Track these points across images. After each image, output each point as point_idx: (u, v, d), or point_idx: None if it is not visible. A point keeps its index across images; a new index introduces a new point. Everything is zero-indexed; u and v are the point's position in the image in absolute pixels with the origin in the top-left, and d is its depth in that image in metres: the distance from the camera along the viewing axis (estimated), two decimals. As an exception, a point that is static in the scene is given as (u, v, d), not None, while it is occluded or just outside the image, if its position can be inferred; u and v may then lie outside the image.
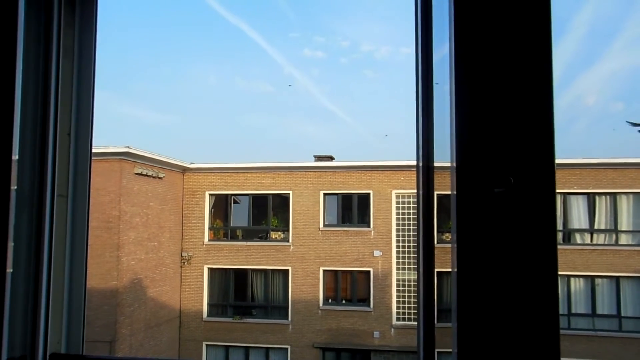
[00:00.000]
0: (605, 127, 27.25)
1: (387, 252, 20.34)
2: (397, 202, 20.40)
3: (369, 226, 20.64)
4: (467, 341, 1.09)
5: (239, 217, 22.22)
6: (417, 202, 1.46)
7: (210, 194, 21.92)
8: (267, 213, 21.71)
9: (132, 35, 35.14)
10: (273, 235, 21.84)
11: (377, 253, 20.34)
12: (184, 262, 21.46)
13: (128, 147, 17.79)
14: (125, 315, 17.93)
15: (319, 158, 22.79)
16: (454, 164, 1.10)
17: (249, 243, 21.53)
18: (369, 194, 20.69)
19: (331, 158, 22.96)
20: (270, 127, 34.24)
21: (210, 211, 22.03)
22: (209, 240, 21.77)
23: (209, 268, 21.52)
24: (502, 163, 1.11)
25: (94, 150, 1.94)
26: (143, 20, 35.23)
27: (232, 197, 22.12)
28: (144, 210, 19.04)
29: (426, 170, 1.42)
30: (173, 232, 21.07)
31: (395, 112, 36.05)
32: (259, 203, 21.89)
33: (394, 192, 20.46)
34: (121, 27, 34.09)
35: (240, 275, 21.48)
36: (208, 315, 21.29)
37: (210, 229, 21.92)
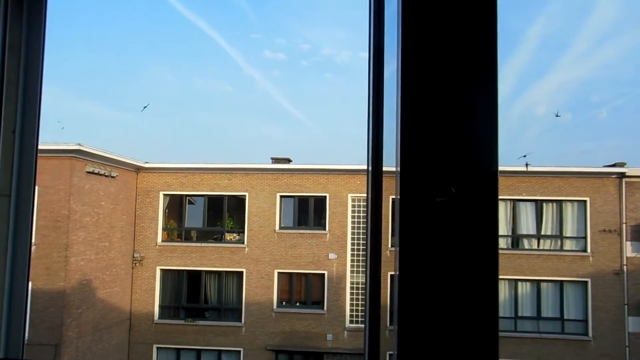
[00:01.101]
0: (554, 137, 28.29)
1: (342, 255, 20.49)
2: (353, 206, 20.58)
3: (324, 229, 20.74)
4: (407, 343, 1.13)
5: (194, 218, 21.92)
6: (367, 206, 1.50)
7: (165, 194, 21.55)
8: (223, 214, 21.52)
9: (87, 31, 34.21)
10: (228, 237, 21.65)
11: (332, 256, 20.46)
12: (135, 263, 21.00)
13: (79, 144, 17.30)
14: (73, 318, 17.39)
15: (276, 160, 22.75)
16: (398, 169, 1.14)
17: (203, 244, 21.27)
18: (325, 197, 20.80)
19: (289, 160, 22.96)
20: (228, 128, 33.97)
21: (165, 211, 21.65)
22: (163, 241, 21.38)
23: (161, 269, 21.14)
24: (444, 172, 1.14)
25: (43, 148, 1.91)
26: (98, 15, 34.35)
27: (187, 197, 21.81)
28: (95, 209, 18.54)
29: (375, 175, 1.45)
30: (125, 233, 20.60)
31: (354, 116, 36.39)
32: (215, 204, 21.67)
33: (349, 195, 20.63)
34: (75, 23, 33.13)
35: (194, 277, 21.19)
36: (159, 318, 20.89)
37: (164, 229, 21.54)
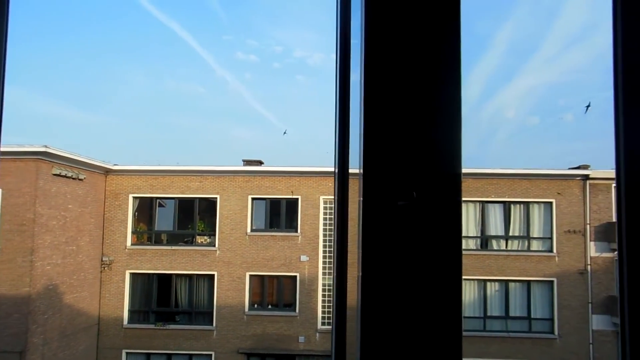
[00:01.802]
0: (523, 139, 28.90)
1: (313, 257, 20.52)
2: (325, 208, 20.64)
3: (296, 231, 20.74)
4: (370, 345, 1.15)
5: (164, 221, 21.68)
6: (334, 209, 1.53)
7: (134, 197, 21.25)
8: (194, 217, 21.33)
9: (56, 31, 33.53)
10: (199, 239, 21.47)
11: (304, 258, 20.47)
12: (104, 267, 20.64)
13: (46, 146, 16.93)
14: (38, 324, 16.99)
15: (248, 162, 22.68)
16: (361, 172, 1.16)
17: (174, 247, 21.04)
18: (297, 199, 20.81)
19: (260, 162, 22.91)
20: (200, 130, 33.69)
21: (134, 214, 21.35)
22: (132, 244, 21.07)
23: (131, 273, 20.82)
24: (407, 175, 1.18)
25: (8, 150, 1.88)
26: (67, 15, 33.70)
27: (157, 200, 21.55)
28: (61, 212, 18.16)
29: (341, 178, 1.47)
30: (93, 236, 20.23)
31: (326, 118, 36.56)
32: (185, 207, 21.47)
33: (321, 197, 20.69)
34: (43, 22, 32.44)
35: (164, 281, 20.94)
36: (129, 322, 20.57)
37: (133, 232, 21.24)
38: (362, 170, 1.15)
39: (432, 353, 1.23)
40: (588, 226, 19.90)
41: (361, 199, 1.14)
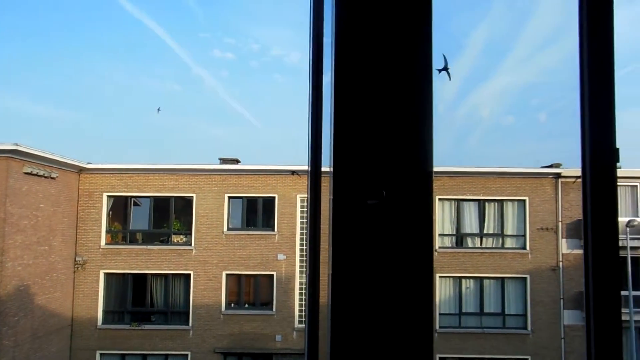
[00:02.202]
0: (497, 138, 29.29)
1: (290, 256, 20.51)
2: (302, 207, 20.65)
3: (273, 230, 20.71)
4: (341, 343, 1.17)
5: (139, 220, 21.43)
6: (307, 207, 1.54)
7: (109, 196, 20.96)
8: (169, 216, 21.14)
9: (30, 27, 32.82)
10: (175, 238, 21.29)
11: (280, 257, 20.46)
12: (77, 267, 20.31)
13: (16, 144, 16.58)
14: (9, 326, 16.64)
15: (224, 161, 22.55)
16: (332, 170, 1.17)
17: (149, 247, 20.83)
18: (274, 197, 20.77)
19: (237, 161, 22.80)
20: (176, 128, 33.35)
21: (108, 214, 21.06)
22: (106, 244, 20.78)
23: (105, 273, 20.53)
24: (377, 174, 1.19)
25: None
26: (41, 12, 33.03)
27: (132, 199, 21.29)
28: (33, 212, 17.80)
29: (314, 176, 1.48)
30: (66, 236, 19.88)
31: (303, 117, 36.46)
32: (161, 206, 21.25)
33: (298, 196, 20.69)
34: (17, 18, 31.74)
35: (139, 280, 20.70)
36: (103, 323, 20.29)
37: (107, 232, 20.95)
38: (332, 169, 1.16)
39: (403, 350, 1.25)
40: (560, 223, 20.29)
41: (331, 197, 1.16)
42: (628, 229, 19.35)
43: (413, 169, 1.26)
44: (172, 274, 20.62)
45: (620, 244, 19.49)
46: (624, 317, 18.67)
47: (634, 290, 19.20)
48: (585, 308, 1.88)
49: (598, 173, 1.80)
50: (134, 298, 20.66)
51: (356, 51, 1.24)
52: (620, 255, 19.72)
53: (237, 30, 34.22)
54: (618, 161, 1.82)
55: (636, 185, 20.77)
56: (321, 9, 1.51)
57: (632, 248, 19.64)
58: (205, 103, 32.44)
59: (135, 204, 21.56)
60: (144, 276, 20.64)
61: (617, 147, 1.85)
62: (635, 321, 18.82)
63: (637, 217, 20.22)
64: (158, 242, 21.23)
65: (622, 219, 19.78)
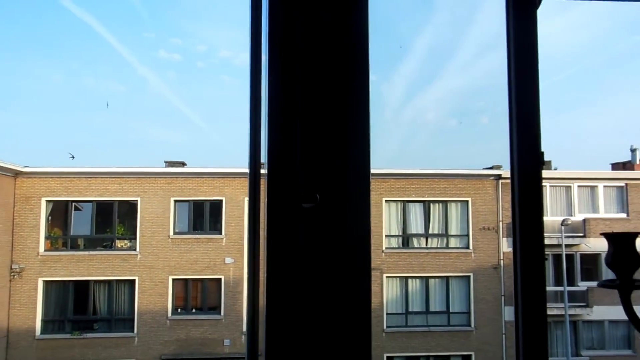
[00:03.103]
0: (441, 141, 30.06)
1: (239, 259, 20.35)
2: (250, 209, 20.51)
3: (221, 233, 20.50)
4: (275, 346, 1.18)
5: (81, 225, 20.72)
6: (247, 210, 1.55)
7: (48, 201, 20.17)
8: (113, 221, 20.55)
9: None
10: (119, 243, 20.72)
11: (228, 260, 20.27)
12: (14, 275, 19.42)
13: (-54, 146, 15.73)
14: (-61, 338, 15.73)
15: (170, 164, 22.15)
16: (266, 174, 1.19)
17: (91, 253, 20.18)
18: (221, 200, 20.57)
19: (183, 164, 22.43)
20: (119, 130, 32.40)
21: (47, 219, 20.26)
22: (45, 250, 19.98)
23: (44, 281, 19.73)
24: (311, 179, 1.21)
25: None
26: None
27: (73, 203, 20.58)
28: (-35, 218, 16.91)
29: (253, 179, 1.50)
30: (1, 243, 18.98)
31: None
32: (104, 210, 20.64)
33: (246, 199, 20.56)
34: (-60, 10, 30.01)
35: (81, 288, 20.01)
36: (42, 333, 19.48)
37: (46, 238, 20.14)
38: (266, 173, 1.18)
39: (341, 350, 1.27)
40: (501, 223, 21.05)
41: (266, 200, 1.18)
42: (563, 227, 20.30)
43: (349, 172, 1.28)
44: (116, 280, 20.06)
45: (557, 242, 20.44)
46: (560, 312, 19.57)
47: (569, 286, 20.16)
48: (514, 302, 1.98)
49: (524, 175, 1.90)
50: (75, 306, 19.95)
51: (290, 53, 1.26)
52: (556, 252, 20.67)
53: (183, 30, 33.63)
54: (543, 164, 1.93)
55: (570, 186, 21.82)
56: (259, 11, 1.53)
57: (567, 245, 20.62)
58: (150, 104, 31.69)
59: (77, 209, 20.85)
60: (86, 283, 19.97)
61: (542, 150, 1.96)
62: (570, 315, 19.76)
63: (572, 216, 21.25)
64: (101, 248, 20.61)
65: (558, 218, 20.74)
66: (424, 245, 21.45)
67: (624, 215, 21.67)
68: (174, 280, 20.20)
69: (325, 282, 1.20)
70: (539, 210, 1.91)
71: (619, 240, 1.18)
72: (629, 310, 1.14)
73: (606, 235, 1.22)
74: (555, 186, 21.75)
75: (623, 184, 21.90)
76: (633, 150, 23.30)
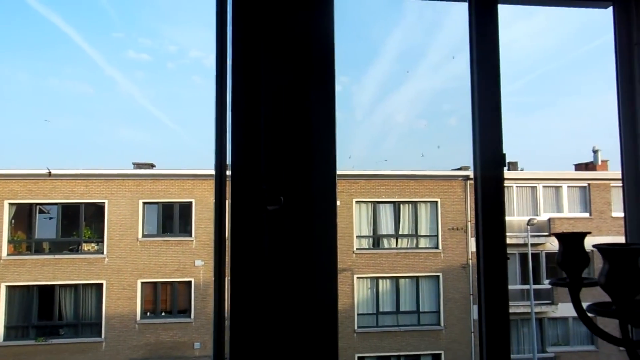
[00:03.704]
0: (411, 142, 30.34)
1: (209, 262, 20.16)
2: (220, 211, 20.37)
3: (190, 236, 20.30)
4: (240, 349, 1.19)
5: (46, 228, 20.24)
6: (214, 212, 1.55)
7: (11, 204, 19.64)
8: (79, 224, 20.14)
9: None
10: (86, 247, 20.32)
11: (198, 263, 20.08)
12: (-25, 281, 18.85)
13: None
14: None
15: (138, 165, 21.82)
16: (230, 176, 1.20)
17: (57, 257, 19.72)
18: (191, 202, 20.37)
19: (152, 165, 22.12)
20: (87, 131, 31.71)
21: (11, 222, 19.72)
22: (9, 254, 19.45)
23: (7, 286, 19.20)
24: (276, 180, 1.22)
25: None
26: None
27: (38, 206, 20.09)
28: None
29: (219, 180, 1.50)
30: (-38, 247, 18.40)
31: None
32: (70, 213, 20.21)
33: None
34: None
35: (46, 292, 19.54)
36: (5, 339, 18.94)
37: (10, 242, 19.61)
38: (230, 175, 1.18)
39: (307, 354, 1.28)
40: (469, 223, 21.39)
41: (229, 202, 1.18)
42: (529, 227, 20.75)
43: (315, 174, 1.30)
44: (83, 284, 19.66)
45: (523, 241, 20.87)
46: (527, 310, 19.99)
47: (535, 284, 20.62)
48: (478, 300, 2.03)
49: (487, 176, 1.95)
50: (40, 311, 19.47)
51: (253, 55, 1.26)
52: (523, 252, 21.10)
53: (153, 30, 33.15)
54: (505, 165, 1.98)
55: (536, 187, 22.32)
56: (225, 13, 1.53)
57: (533, 245, 21.09)
58: (119, 105, 31.08)
59: (41, 212, 20.36)
60: (51, 287, 19.51)
61: (504, 152, 2.01)
62: (536, 312, 20.21)
63: (537, 215, 21.75)
64: (67, 251, 20.17)
65: (524, 218, 21.19)
66: (394, 245, 21.64)
67: (586, 215, 22.28)
68: (142, 283, 19.91)
69: (290, 284, 1.20)
70: (500, 211, 1.96)
71: (568, 240, 1.22)
72: (578, 307, 1.19)
73: (556, 235, 1.26)
74: (522, 186, 22.22)
75: (586, 184, 22.51)
76: (595, 152, 23.99)
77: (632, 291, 1.03)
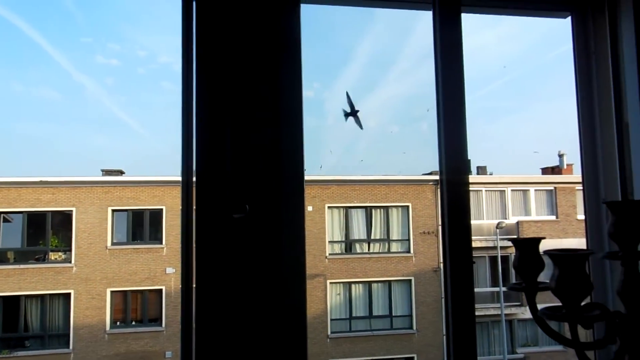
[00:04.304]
0: (383, 147, 30.55)
1: (180, 269, 19.93)
2: (192, 218, 20.15)
3: (161, 243, 20.03)
4: (206, 354, 1.18)
5: (11, 237, 19.72)
6: (180, 219, 1.54)
7: (-27, 212, 19.09)
8: (46, 232, 19.67)
9: None
10: (52, 256, 19.85)
11: (169, 270, 19.82)
12: (-64, 293, 18.23)
13: None
14: None
15: (107, 172, 21.47)
16: (195, 183, 1.19)
17: (22, 266, 19.22)
18: (161, 209, 20.11)
19: (121, 172, 21.79)
20: (53, 138, 31.01)
21: (-27, 231, 19.15)
22: (-29, 265, 18.88)
23: (-30, 297, 18.62)
24: (241, 188, 1.22)
25: None
26: None
27: (2, 215, 19.56)
28: None
29: (185, 187, 1.49)
30: None
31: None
32: (36, 221, 19.72)
33: (188, 207, 20.20)
34: None
35: (11, 303, 19.01)
36: (-32, 353, 18.36)
37: (-28, 252, 19.04)
38: (195, 183, 1.18)
39: (274, 358, 1.28)
40: (440, 227, 21.63)
41: (194, 209, 1.18)
42: (498, 230, 21.11)
43: (282, 182, 1.30)
44: (50, 294, 19.19)
45: (492, 244, 21.21)
46: (497, 312, 20.30)
47: (504, 286, 20.95)
48: (444, 302, 2.07)
49: (452, 181, 1.99)
50: (4, 323, 18.92)
51: (218, 61, 1.26)
52: (492, 255, 21.44)
53: (121, 36, 32.68)
54: (470, 171, 2.03)
55: (504, 190, 22.73)
56: (190, 19, 1.53)
57: (502, 247, 21.46)
58: (87, 111, 30.50)
59: (6, 220, 19.84)
60: (16, 298, 18.99)
61: (469, 158, 2.06)
62: (506, 314, 20.54)
63: (506, 219, 22.14)
64: (33, 261, 19.67)
65: (493, 221, 21.55)
66: (366, 250, 21.74)
67: (553, 218, 22.79)
68: (112, 292, 19.54)
69: (257, 291, 1.20)
70: (465, 215, 2.00)
71: (523, 246, 1.25)
72: (533, 310, 1.23)
73: (512, 241, 1.30)
74: (491, 190, 22.61)
75: (552, 188, 23.03)
76: (561, 156, 24.59)
77: (580, 295, 1.08)
